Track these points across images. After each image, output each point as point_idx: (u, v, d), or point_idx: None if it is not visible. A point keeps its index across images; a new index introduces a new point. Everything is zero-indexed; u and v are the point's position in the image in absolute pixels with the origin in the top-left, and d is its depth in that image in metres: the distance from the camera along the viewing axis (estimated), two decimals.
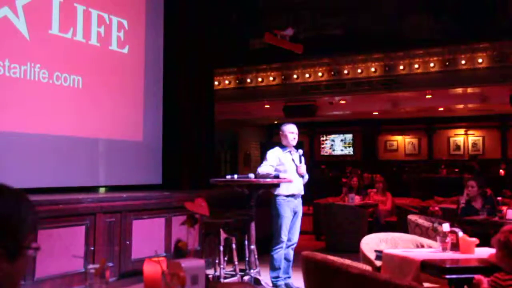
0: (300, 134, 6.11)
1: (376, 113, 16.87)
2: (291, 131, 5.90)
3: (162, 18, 8.29)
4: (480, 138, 17.71)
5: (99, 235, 5.58)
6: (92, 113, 7.04)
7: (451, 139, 18.15)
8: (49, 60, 6.49)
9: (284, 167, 5.78)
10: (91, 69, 7.04)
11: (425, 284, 3.86)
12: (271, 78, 13.66)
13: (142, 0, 7.96)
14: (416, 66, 11.93)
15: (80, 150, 6.88)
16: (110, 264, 5.56)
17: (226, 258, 5.63)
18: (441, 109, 15.63)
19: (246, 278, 5.53)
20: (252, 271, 5.56)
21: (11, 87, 6.09)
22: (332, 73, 12.88)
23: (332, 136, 19.99)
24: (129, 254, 5.92)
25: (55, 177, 6.56)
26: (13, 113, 6.13)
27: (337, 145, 19.93)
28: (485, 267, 3.49)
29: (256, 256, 5.64)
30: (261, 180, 5.55)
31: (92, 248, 5.50)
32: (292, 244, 5.83)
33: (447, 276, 3.58)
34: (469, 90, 12.60)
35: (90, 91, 7.02)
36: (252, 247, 5.59)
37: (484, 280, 3.14)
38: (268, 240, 5.85)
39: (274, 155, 5.85)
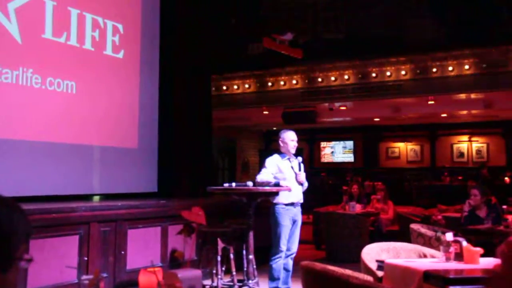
0: (299, 140, 6.10)
1: (378, 119, 16.82)
2: (291, 139, 5.84)
3: (158, 22, 8.25)
4: (484, 145, 17.57)
5: (93, 244, 5.49)
6: (86, 120, 6.98)
7: (455, 146, 18.01)
8: (42, 65, 6.43)
9: (283, 175, 5.72)
10: (85, 74, 6.99)
11: None
12: (269, 84, 13.61)
13: (137, 4, 7.93)
14: (418, 71, 11.84)
15: (74, 157, 6.81)
16: (104, 275, 5.48)
17: (223, 268, 5.60)
18: (444, 115, 15.55)
19: None
20: (250, 281, 5.53)
21: (3, 92, 6.03)
22: (333, 78, 12.80)
23: (333, 143, 19.88)
24: (124, 264, 5.83)
25: (47, 185, 6.48)
26: (4, 119, 6.06)
27: (338, 152, 19.82)
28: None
29: (255, 266, 5.60)
30: (260, 188, 5.50)
31: (86, 258, 5.40)
32: (291, 254, 5.75)
33: (451, 287, 3.47)
34: (473, 95, 12.52)
35: (84, 97, 6.96)
36: (251, 257, 5.55)
37: None
38: (267, 249, 5.77)
39: (273, 162, 5.80)
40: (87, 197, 7.05)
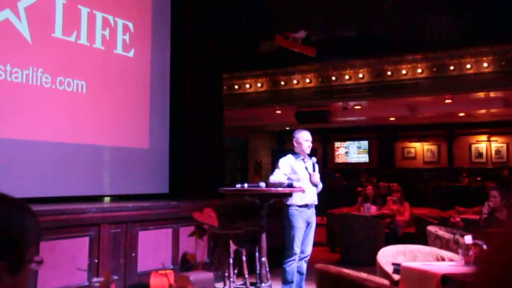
0: (313, 140, 5.99)
1: (393, 118, 16.64)
2: (306, 139, 5.79)
3: (169, 20, 8.21)
4: (504, 145, 17.27)
5: (104, 246, 5.45)
6: (96, 119, 6.95)
7: (473, 146, 17.73)
8: (52, 64, 6.40)
9: (297, 176, 5.66)
10: (96, 73, 6.95)
11: None
12: (282, 83, 13.48)
13: (148, 2, 7.89)
14: (435, 69, 11.64)
15: (84, 157, 6.77)
16: (115, 277, 5.47)
17: (236, 271, 5.51)
18: (462, 114, 15.32)
19: None
20: (263, 284, 5.46)
21: (13, 92, 6.00)
22: (347, 77, 12.64)
23: (347, 143, 19.71)
24: (135, 266, 5.80)
25: (57, 186, 6.45)
26: (14, 120, 6.02)
27: (352, 152, 19.64)
28: None
29: (268, 269, 5.53)
30: (273, 189, 5.46)
31: (96, 261, 5.38)
32: (305, 257, 5.69)
33: None
34: (492, 94, 12.31)
35: (95, 97, 6.92)
36: (263, 259, 5.48)
37: None
38: (280, 252, 5.71)
39: (286, 163, 5.74)
40: (98, 198, 7.01)
